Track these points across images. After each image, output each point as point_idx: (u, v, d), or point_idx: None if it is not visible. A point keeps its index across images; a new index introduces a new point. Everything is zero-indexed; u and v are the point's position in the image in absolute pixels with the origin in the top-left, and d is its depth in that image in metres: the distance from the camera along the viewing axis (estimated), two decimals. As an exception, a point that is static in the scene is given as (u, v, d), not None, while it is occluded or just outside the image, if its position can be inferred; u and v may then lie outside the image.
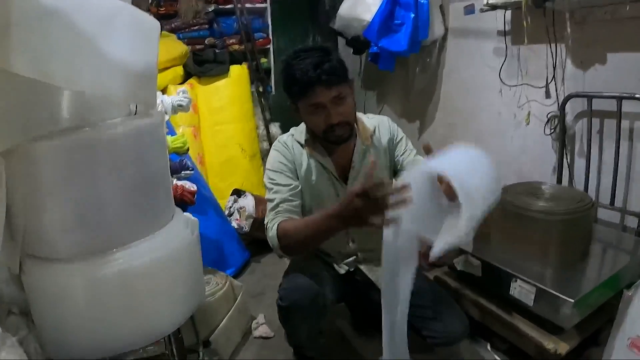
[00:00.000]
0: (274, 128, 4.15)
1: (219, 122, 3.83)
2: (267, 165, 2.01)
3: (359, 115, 2.07)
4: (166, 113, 2.48)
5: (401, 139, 2.10)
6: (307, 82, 1.77)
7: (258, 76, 4.16)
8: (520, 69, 2.97)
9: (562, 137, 2.72)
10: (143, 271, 1.44)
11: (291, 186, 1.93)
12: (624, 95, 2.36)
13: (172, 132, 2.92)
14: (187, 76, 3.89)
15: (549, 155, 2.89)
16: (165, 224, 1.57)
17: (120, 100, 1.48)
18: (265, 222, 1.88)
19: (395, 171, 2.10)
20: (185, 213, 1.88)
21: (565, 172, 2.77)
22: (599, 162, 2.63)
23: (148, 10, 3.89)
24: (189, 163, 2.59)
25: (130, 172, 1.41)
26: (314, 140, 2.00)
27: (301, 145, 2.02)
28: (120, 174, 1.38)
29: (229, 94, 3.88)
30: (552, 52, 2.70)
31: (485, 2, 2.77)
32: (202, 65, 3.87)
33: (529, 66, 2.91)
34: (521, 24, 2.68)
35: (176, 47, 3.74)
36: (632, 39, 2.36)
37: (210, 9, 4.01)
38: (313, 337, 2.02)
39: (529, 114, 2.96)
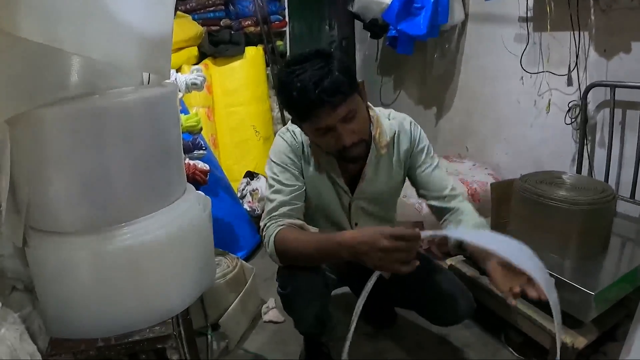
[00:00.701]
0: (289, 111, 4.11)
1: (233, 103, 3.82)
2: (272, 155, 1.82)
3: (378, 114, 1.85)
4: (180, 91, 2.44)
5: (422, 148, 1.87)
6: (308, 106, 1.53)
7: (274, 59, 4.15)
8: (542, 56, 2.91)
9: (583, 127, 2.67)
10: (152, 247, 1.40)
11: (295, 187, 1.77)
12: (649, 85, 2.30)
13: (185, 112, 2.88)
14: (201, 57, 3.86)
15: (569, 145, 2.84)
16: (176, 199, 1.53)
17: (132, 68, 1.44)
18: (261, 225, 1.74)
19: (414, 183, 1.94)
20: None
21: (585, 162, 2.73)
22: (620, 153, 2.59)
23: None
24: (202, 142, 2.55)
25: (141, 143, 1.36)
26: (320, 149, 1.78)
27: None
28: (130, 144, 1.34)
29: (244, 76, 3.87)
30: (575, 40, 2.64)
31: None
32: (217, 46, 3.84)
33: (551, 53, 2.85)
34: (544, 10, 2.66)
35: (191, 28, 3.71)
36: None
37: (225, -10, 3.97)
38: (321, 321, 1.91)
39: (549, 102, 2.91)
